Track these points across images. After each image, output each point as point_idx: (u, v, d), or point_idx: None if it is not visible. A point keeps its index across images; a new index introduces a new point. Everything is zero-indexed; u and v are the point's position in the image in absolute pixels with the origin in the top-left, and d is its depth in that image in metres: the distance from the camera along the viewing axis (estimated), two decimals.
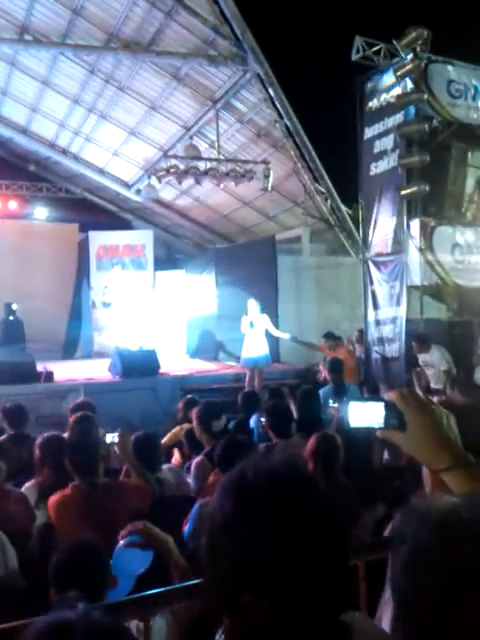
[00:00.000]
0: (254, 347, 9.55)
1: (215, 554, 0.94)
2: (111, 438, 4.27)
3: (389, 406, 1.31)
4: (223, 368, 11.50)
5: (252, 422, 5.82)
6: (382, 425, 1.32)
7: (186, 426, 5.42)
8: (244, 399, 6.45)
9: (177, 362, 11.76)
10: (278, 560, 0.88)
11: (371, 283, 10.48)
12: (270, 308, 10.79)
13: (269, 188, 12.14)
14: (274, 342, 10.53)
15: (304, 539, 0.89)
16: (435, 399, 1.58)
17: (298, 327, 11.70)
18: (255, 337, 9.58)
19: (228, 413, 5.62)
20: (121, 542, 2.43)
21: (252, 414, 5.90)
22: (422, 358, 8.76)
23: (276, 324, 10.48)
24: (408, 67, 9.70)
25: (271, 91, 11.06)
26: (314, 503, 0.93)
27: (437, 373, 8.53)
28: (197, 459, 4.47)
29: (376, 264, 10.37)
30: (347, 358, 8.90)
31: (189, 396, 6.75)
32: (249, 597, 0.90)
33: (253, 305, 9.63)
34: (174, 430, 5.75)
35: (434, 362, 8.59)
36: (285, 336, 10.22)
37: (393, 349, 9.83)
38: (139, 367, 9.70)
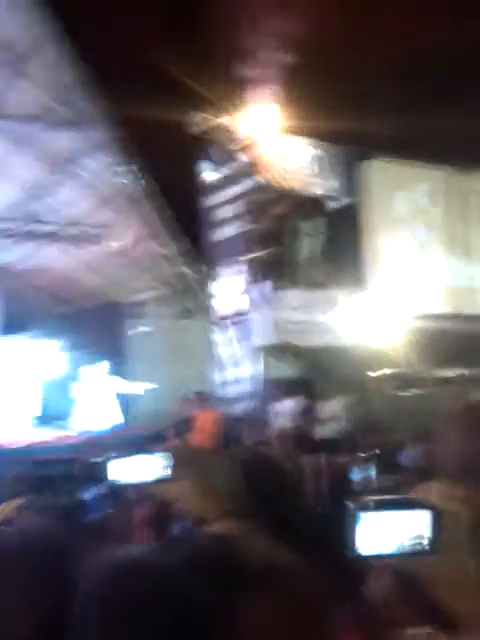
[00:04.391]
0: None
1: None
2: None
3: (163, 458, 1.28)
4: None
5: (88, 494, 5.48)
6: (154, 478, 1.28)
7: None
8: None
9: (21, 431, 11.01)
10: None
11: (218, 345, 10.71)
12: (118, 373, 10.54)
13: (116, 252, 12.12)
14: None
15: None
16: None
17: (147, 391, 11.58)
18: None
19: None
20: None
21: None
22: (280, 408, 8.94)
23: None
24: (247, 141, 10.30)
25: (118, 157, 11.17)
26: None
27: None
28: None
29: (222, 326, 10.64)
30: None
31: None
32: None
33: (97, 369, 9.42)
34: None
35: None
36: None
37: (239, 409, 10.00)
38: None
